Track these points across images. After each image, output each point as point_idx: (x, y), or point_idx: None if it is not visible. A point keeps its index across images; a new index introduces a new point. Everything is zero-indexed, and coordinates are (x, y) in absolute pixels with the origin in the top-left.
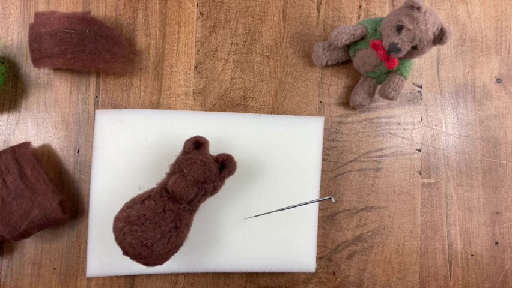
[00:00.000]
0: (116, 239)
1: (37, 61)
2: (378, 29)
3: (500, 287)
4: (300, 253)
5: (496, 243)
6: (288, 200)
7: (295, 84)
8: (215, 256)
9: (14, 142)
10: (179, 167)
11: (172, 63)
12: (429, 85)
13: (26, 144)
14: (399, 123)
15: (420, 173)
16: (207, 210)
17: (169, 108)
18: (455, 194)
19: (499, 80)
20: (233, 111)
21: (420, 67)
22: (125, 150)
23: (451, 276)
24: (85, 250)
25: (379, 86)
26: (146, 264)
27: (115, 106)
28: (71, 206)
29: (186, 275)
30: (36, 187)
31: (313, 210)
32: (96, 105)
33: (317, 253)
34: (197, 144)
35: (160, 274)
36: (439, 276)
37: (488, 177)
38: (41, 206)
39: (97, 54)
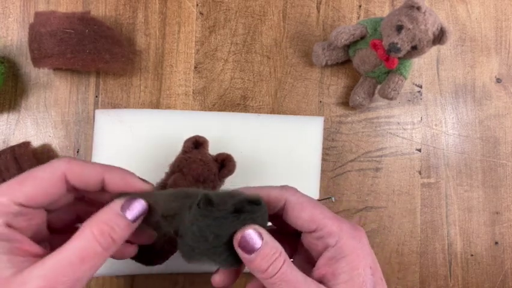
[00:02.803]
0: None
1: (37, 61)
2: (378, 28)
3: (500, 287)
4: None
5: (496, 243)
6: None
7: (295, 84)
8: None
9: (13, 142)
10: (178, 167)
11: (172, 63)
12: (429, 85)
13: (25, 144)
14: (399, 123)
15: (420, 172)
16: None
17: (169, 108)
18: (454, 194)
19: (498, 80)
20: (233, 111)
21: (420, 67)
22: (125, 149)
23: (450, 276)
24: None
25: (379, 86)
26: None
27: (115, 106)
28: None
29: (186, 275)
30: None
31: None
32: (96, 105)
33: None
34: (196, 144)
35: (160, 274)
36: (439, 276)
37: (488, 177)
38: None
39: (96, 54)
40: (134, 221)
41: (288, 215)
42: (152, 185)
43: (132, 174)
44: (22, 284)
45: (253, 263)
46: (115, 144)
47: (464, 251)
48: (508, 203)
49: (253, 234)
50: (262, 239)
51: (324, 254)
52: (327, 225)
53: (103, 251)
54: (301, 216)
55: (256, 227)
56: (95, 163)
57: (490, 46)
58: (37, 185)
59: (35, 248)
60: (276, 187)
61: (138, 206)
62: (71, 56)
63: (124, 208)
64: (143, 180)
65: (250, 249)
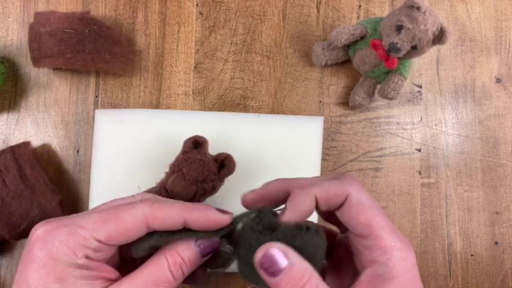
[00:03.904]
0: None
1: (37, 61)
2: (377, 28)
3: (500, 287)
4: None
5: (496, 243)
6: None
7: (295, 84)
8: None
9: (13, 142)
10: (178, 167)
11: (172, 63)
12: (429, 85)
13: (25, 144)
14: (398, 123)
15: (420, 172)
16: None
17: (169, 108)
18: (454, 194)
19: (498, 80)
20: (233, 111)
21: (419, 67)
22: (124, 149)
23: (450, 276)
24: None
25: (379, 86)
26: None
27: (115, 106)
28: (70, 206)
29: None
30: (36, 187)
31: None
32: (96, 105)
33: None
34: (196, 144)
35: None
36: (439, 276)
37: (488, 177)
38: (41, 205)
39: (96, 54)
40: (203, 256)
41: (343, 212)
42: (232, 213)
43: (212, 208)
44: None
45: (278, 287)
46: (114, 144)
47: (464, 251)
48: (508, 203)
49: (277, 254)
50: (289, 259)
51: (370, 270)
52: (382, 238)
53: (174, 282)
54: (358, 219)
55: (281, 245)
56: (175, 203)
57: (490, 46)
58: (119, 226)
59: (112, 273)
60: (336, 180)
61: (213, 243)
62: (71, 56)
63: (198, 242)
64: (223, 211)
65: (273, 271)
